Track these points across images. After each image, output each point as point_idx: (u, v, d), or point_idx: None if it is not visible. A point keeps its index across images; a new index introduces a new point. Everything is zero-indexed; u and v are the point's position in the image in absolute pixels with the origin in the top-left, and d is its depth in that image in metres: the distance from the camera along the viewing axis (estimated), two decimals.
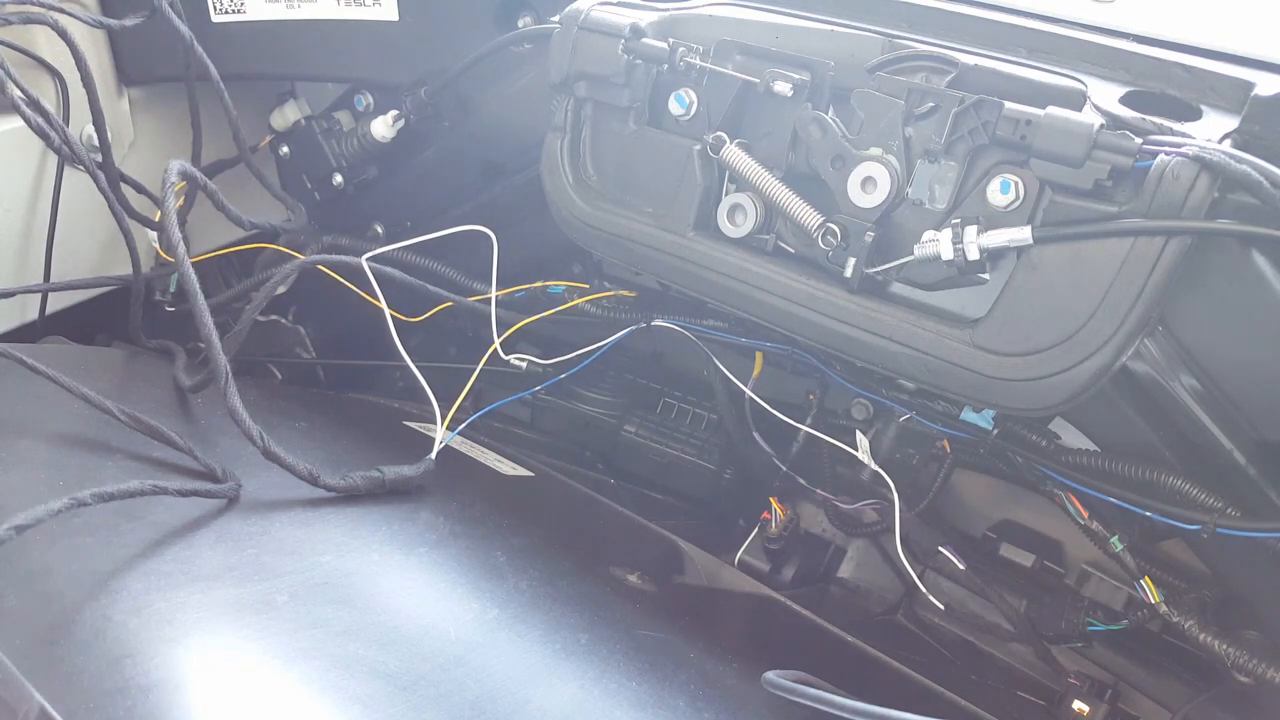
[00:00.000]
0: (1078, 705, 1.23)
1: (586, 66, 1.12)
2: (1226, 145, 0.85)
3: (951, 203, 0.97)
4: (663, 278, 1.16)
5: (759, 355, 1.34)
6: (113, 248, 1.48)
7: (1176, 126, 0.89)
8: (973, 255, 0.94)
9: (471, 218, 1.32)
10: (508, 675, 0.86)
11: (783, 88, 1.03)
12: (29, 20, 1.23)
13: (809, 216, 1.03)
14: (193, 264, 1.06)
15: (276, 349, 1.70)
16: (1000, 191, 0.93)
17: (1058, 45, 1.03)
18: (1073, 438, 1.13)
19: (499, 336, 1.31)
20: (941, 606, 1.36)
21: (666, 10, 1.15)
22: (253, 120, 1.57)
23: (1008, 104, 0.91)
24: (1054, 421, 1.16)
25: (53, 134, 1.17)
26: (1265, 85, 0.91)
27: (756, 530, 1.44)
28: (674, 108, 1.11)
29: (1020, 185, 0.93)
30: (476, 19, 1.36)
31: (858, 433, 1.27)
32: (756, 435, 1.37)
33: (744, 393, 1.33)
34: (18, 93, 1.16)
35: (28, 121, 1.13)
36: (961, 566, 1.28)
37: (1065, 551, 1.36)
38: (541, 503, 1.37)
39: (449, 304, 1.39)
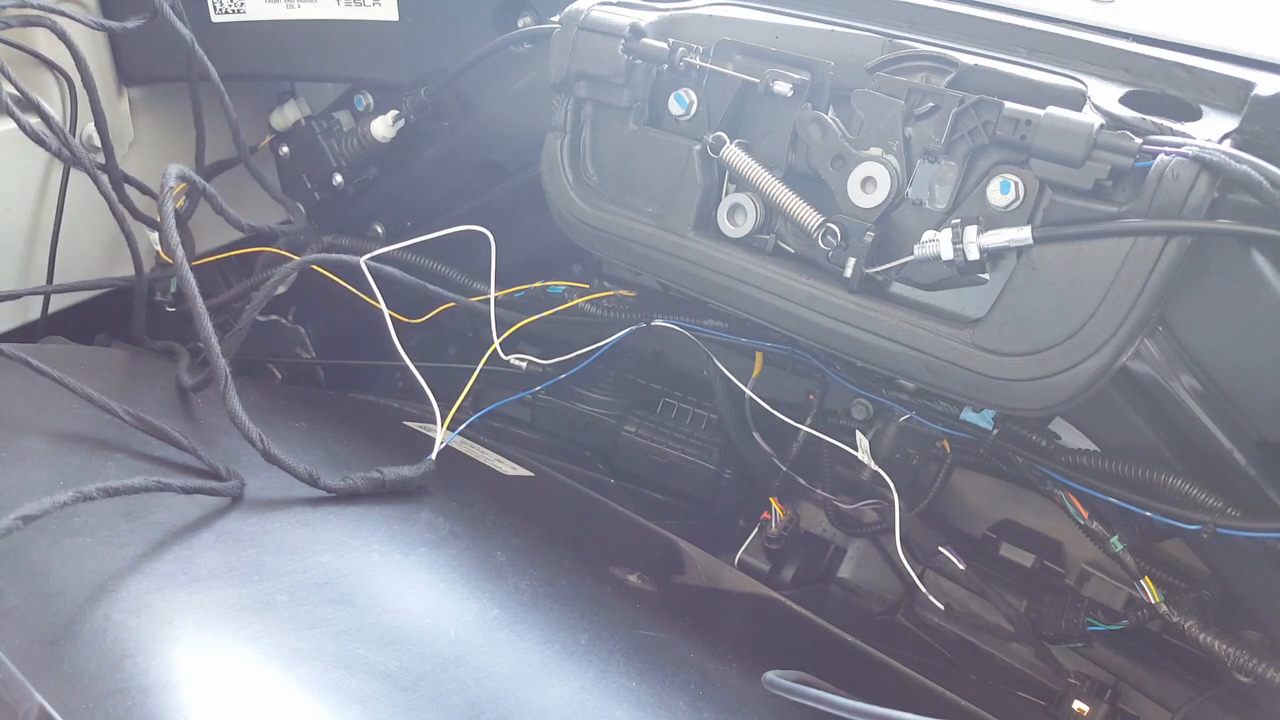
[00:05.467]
0: (1078, 705, 1.23)
1: (586, 66, 1.12)
2: (1226, 145, 0.85)
3: (951, 203, 0.97)
4: (663, 278, 1.16)
5: (759, 355, 1.34)
6: (115, 247, 1.48)
7: (1176, 126, 0.89)
8: (973, 255, 0.94)
9: (471, 218, 1.32)
10: (508, 675, 0.86)
11: (783, 88, 1.03)
12: (29, 23, 1.23)
13: (809, 216, 1.03)
14: (193, 266, 1.07)
15: (276, 349, 1.70)
16: (1000, 191, 0.93)
17: (1058, 45, 1.03)
18: (1073, 438, 1.13)
19: (499, 336, 1.31)
20: (941, 606, 1.36)
21: (666, 10, 1.15)
22: (253, 120, 1.57)
23: (1008, 104, 0.91)
24: (1054, 421, 1.16)
25: (50, 138, 1.17)
26: (1265, 85, 0.91)
27: (756, 530, 1.44)
28: (674, 108, 1.11)
29: (1020, 185, 0.93)
30: (476, 19, 1.36)
31: (858, 433, 1.27)
32: (756, 435, 1.37)
33: (744, 393, 1.33)
34: (12, 93, 1.16)
35: (23, 128, 1.13)
36: (961, 566, 1.28)
37: (1065, 551, 1.36)
38: (541, 503, 1.37)
39: (450, 304, 1.39)
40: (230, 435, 1.02)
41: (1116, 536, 1.11)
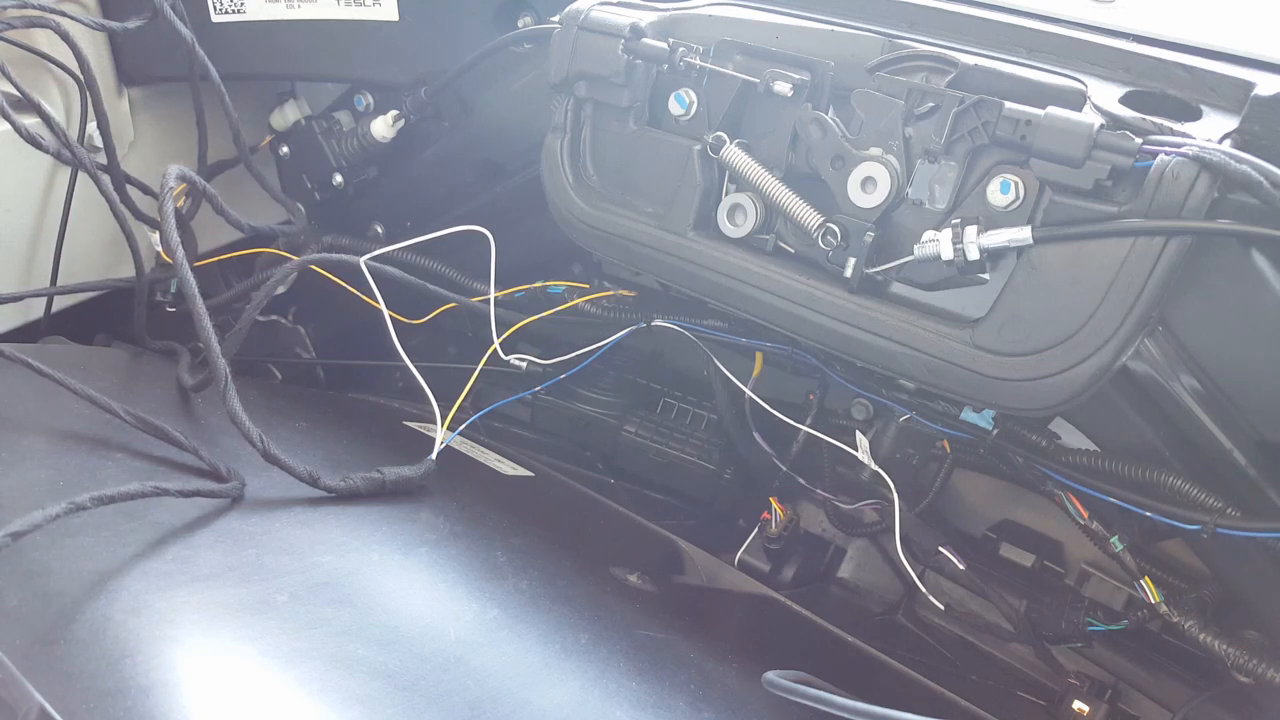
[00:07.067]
0: (1078, 705, 1.23)
1: (586, 66, 1.12)
2: (1226, 145, 0.85)
3: (951, 203, 0.97)
4: (663, 278, 1.16)
5: (759, 355, 1.34)
6: (116, 248, 1.48)
7: (1176, 126, 0.89)
8: (973, 255, 0.94)
9: (471, 218, 1.32)
10: (508, 675, 0.86)
11: (783, 88, 1.03)
12: (31, 24, 1.23)
13: (809, 216, 1.03)
14: (193, 266, 1.07)
15: (276, 349, 1.70)
16: (1000, 191, 0.93)
17: (1058, 45, 1.03)
18: (1073, 438, 1.13)
19: (499, 336, 1.31)
20: (941, 606, 1.36)
21: (666, 10, 1.15)
22: (253, 120, 1.57)
23: (1008, 104, 0.91)
24: (1054, 421, 1.16)
25: (49, 140, 1.17)
26: (1265, 85, 0.91)
27: (756, 530, 1.44)
28: (674, 108, 1.11)
29: (1020, 185, 0.93)
30: (476, 19, 1.36)
31: (858, 433, 1.27)
32: (756, 435, 1.37)
33: (744, 393, 1.33)
34: (13, 94, 1.16)
35: (19, 131, 1.13)
36: (961, 566, 1.28)
37: (1065, 551, 1.36)
38: (541, 503, 1.37)
39: (450, 305, 1.39)
40: (230, 435, 1.02)
41: (1116, 536, 1.11)
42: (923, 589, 1.34)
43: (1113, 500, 1.04)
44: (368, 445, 1.26)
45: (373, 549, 0.97)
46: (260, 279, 1.37)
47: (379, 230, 1.60)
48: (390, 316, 1.25)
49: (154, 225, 1.37)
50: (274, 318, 1.69)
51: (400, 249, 1.38)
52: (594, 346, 1.34)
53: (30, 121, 1.17)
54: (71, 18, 1.28)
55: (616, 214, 1.15)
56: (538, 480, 1.40)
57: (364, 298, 1.26)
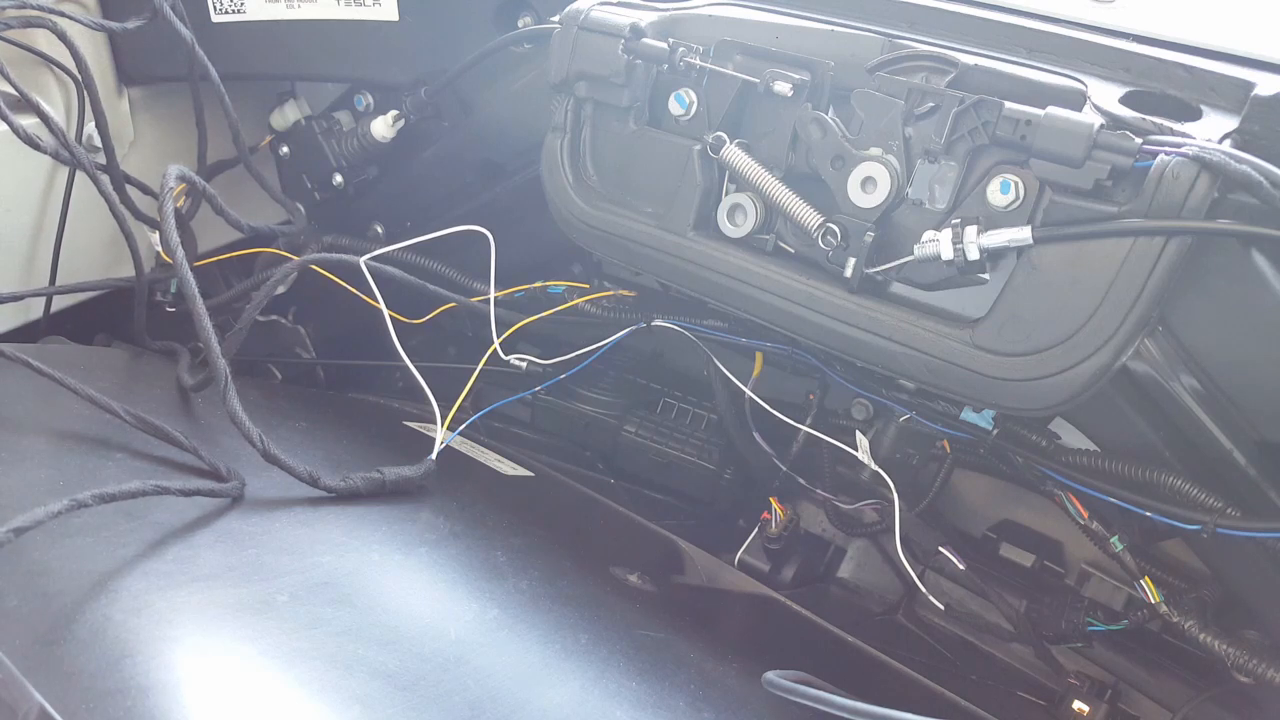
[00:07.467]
0: (1078, 705, 1.23)
1: (586, 66, 1.12)
2: (1226, 145, 0.85)
3: (951, 203, 0.97)
4: (663, 278, 1.16)
5: (759, 355, 1.34)
6: (116, 247, 1.48)
7: (1176, 126, 0.89)
8: (973, 255, 0.94)
9: (471, 218, 1.32)
10: (508, 675, 0.86)
11: (783, 88, 1.03)
12: (29, 24, 1.23)
13: (809, 216, 1.03)
14: (193, 267, 1.07)
15: (276, 349, 1.70)
16: (1000, 191, 0.93)
17: (1058, 45, 1.03)
18: (1073, 438, 1.13)
19: (499, 336, 1.31)
20: (941, 606, 1.36)
21: (666, 10, 1.15)
22: (253, 120, 1.57)
23: (1008, 104, 0.91)
24: (1054, 421, 1.16)
25: (47, 140, 1.17)
26: (1265, 85, 0.91)
27: (756, 530, 1.44)
28: (674, 108, 1.11)
29: (1020, 185, 0.93)
30: (476, 19, 1.36)
31: (858, 433, 1.27)
32: (756, 435, 1.37)
33: (744, 393, 1.33)
34: (11, 94, 1.16)
35: (15, 131, 1.13)
36: (961, 566, 1.28)
37: (1065, 551, 1.36)
38: (541, 503, 1.37)
39: (450, 305, 1.39)
40: (230, 435, 1.02)
41: (1116, 536, 1.11)
42: (923, 589, 1.34)
43: (1113, 500, 1.04)
44: (368, 445, 1.26)
45: (373, 549, 0.97)
46: (260, 279, 1.37)
47: (379, 230, 1.60)
48: (390, 316, 1.25)
49: (154, 225, 1.37)
50: (274, 318, 1.69)
51: (400, 249, 1.38)
52: (594, 346, 1.34)
53: (29, 122, 1.16)
54: (71, 18, 1.28)
55: (616, 214, 1.15)
56: (538, 480, 1.40)
57: (364, 298, 1.26)
